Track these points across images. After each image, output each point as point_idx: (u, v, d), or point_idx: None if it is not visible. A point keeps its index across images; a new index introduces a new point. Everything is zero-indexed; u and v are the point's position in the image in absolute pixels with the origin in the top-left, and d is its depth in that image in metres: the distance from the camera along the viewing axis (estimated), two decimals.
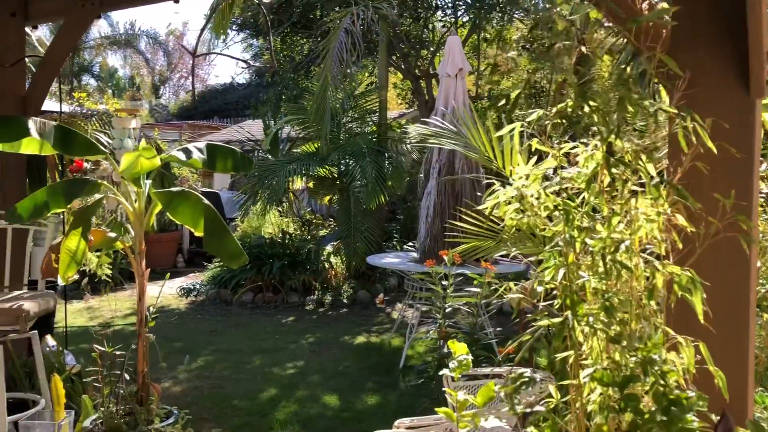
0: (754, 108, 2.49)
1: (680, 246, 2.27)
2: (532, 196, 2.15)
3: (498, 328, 5.07)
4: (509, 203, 2.33)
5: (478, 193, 6.32)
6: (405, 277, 7.43)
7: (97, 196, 3.99)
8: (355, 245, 9.26)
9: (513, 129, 2.24)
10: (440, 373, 2.07)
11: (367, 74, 14.02)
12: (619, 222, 2.21)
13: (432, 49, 13.73)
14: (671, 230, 2.26)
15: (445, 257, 4.11)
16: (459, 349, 2.06)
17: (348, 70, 8.91)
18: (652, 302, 2.10)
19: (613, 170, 2.13)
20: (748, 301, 2.48)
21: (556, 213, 2.28)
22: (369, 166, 9.14)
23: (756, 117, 2.51)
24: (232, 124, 18.91)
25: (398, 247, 10.41)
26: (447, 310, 3.93)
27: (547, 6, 2.39)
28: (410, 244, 10.16)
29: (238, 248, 3.47)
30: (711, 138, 2.21)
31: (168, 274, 4.55)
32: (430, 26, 13.95)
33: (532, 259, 3.17)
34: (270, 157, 10.85)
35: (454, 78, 6.73)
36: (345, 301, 9.23)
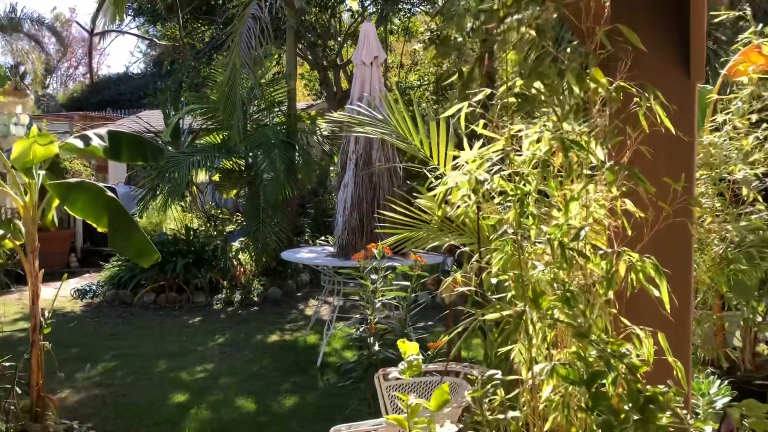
0: (694, 91, 2.45)
1: (630, 232, 2.19)
2: (486, 181, 2.00)
3: (425, 323, 4.93)
4: (456, 189, 2.17)
5: (396, 187, 6.18)
6: (320, 272, 7.19)
7: None
8: (265, 240, 8.90)
9: (460, 109, 2.08)
10: (377, 374, 1.88)
11: (274, 63, 13.60)
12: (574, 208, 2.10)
13: (339, 39, 13.51)
14: (620, 216, 2.18)
15: (375, 250, 3.93)
16: (409, 349, 1.87)
17: (257, 58, 8.51)
18: (610, 292, 2.00)
19: (570, 153, 2.01)
20: (689, 287, 2.45)
21: (506, 199, 2.14)
22: (278, 159, 8.81)
23: (696, 100, 2.48)
24: (128, 115, 17.87)
25: (311, 242, 10.13)
26: (377, 306, 3.77)
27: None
28: (323, 238, 9.92)
29: (148, 244, 3.14)
30: (653, 121, 2.14)
31: (65, 275, 4.11)
32: (338, 16, 13.72)
33: (466, 248, 3.04)
34: (171, 148, 10.28)
35: (369, 66, 6.54)
36: (255, 299, 8.88)
